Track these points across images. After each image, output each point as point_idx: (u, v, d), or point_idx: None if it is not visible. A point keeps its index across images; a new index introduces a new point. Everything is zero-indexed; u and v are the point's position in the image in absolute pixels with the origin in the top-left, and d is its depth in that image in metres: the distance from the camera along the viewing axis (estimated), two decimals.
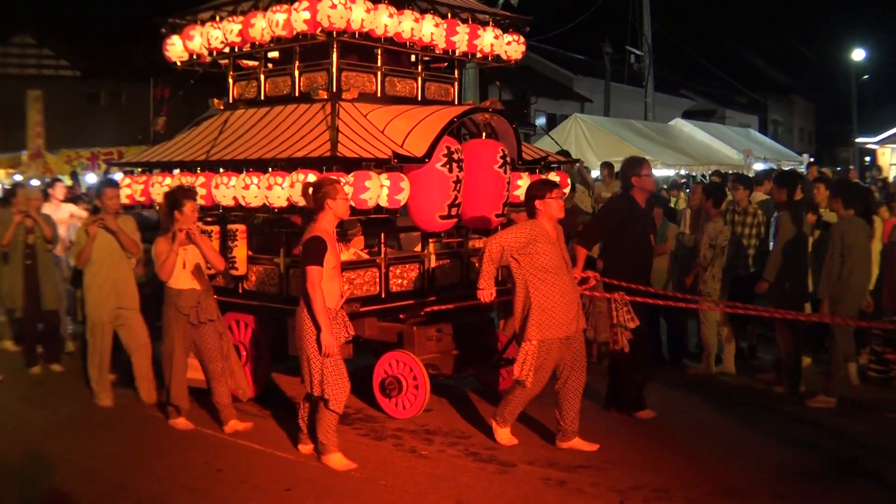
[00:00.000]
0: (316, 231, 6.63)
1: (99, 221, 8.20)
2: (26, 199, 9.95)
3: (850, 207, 8.53)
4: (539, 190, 7.18)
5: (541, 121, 35.45)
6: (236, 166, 8.00)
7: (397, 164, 7.66)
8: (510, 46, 9.35)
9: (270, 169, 7.67)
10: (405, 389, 7.90)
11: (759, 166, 26.75)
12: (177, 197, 7.43)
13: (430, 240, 8.43)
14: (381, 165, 7.57)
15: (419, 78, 8.89)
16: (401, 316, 8.28)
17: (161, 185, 8.60)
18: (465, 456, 7.00)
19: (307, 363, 6.68)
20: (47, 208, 10.81)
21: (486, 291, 7.16)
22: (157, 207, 8.79)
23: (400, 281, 8.15)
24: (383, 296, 7.99)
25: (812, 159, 30.31)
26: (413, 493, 6.22)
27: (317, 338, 6.57)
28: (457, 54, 8.96)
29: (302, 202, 7.31)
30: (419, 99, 8.84)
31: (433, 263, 8.41)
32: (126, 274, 8.37)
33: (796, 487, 6.28)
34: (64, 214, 11.50)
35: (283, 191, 7.54)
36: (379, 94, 8.50)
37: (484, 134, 8.45)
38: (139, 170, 9.23)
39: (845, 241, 8.34)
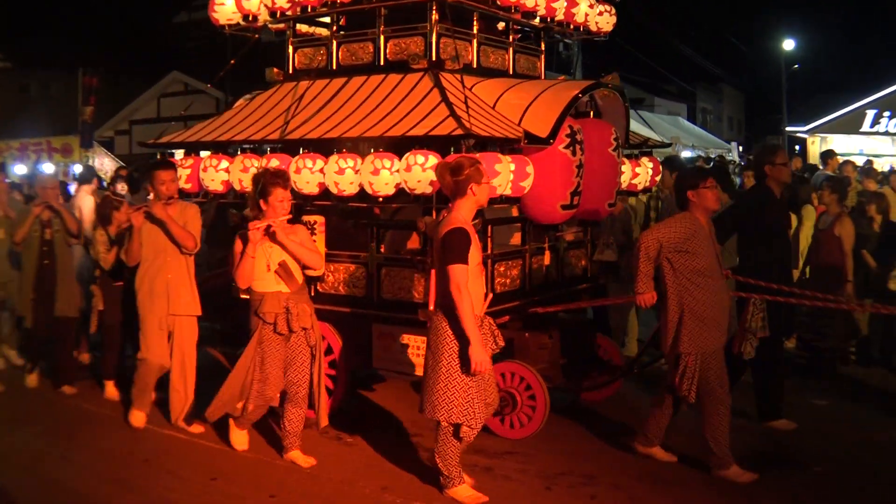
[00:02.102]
0: (458, 222, 5.26)
1: (143, 209, 6.54)
2: (42, 188, 8.08)
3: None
4: (691, 179, 6.04)
5: None
6: (320, 147, 6.51)
7: (524, 145, 6.34)
8: (601, 18, 8.18)
9: (373, 150, 6.22)
10: (519, 406, 6.55)
11: (686, 154, 26.28)
12: (264, 182, 5.82)
13: (545, 234, 7.14)
14: (500, 146, 6.23)
15: (510, 49, 7.55)
16: (505, 319, 6.93)
17: (217, 170, 6.99)
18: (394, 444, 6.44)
19: (434, 382, 5.29)
20: None
21: (648, 294, 5.97)
22: (211, 196, 7.20)
23: (503, 280, 6.80)
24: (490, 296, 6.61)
25: (741, 147, 30.04)
26: (338, 481, 5.75)
27: (460, 352, 5.21)
28: (554, 22, 7.67)
29: (422, 188, 5.93)
30: (510, 72, 7.51)
31: (547, 260, 7.11)
32: (181, 273, 6.69)
33: None
34: None
35: (391, 176, 6.13)
36: (475, 66, 7.11)
37: (591, 113, 7.20)
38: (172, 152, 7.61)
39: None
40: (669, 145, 11.82)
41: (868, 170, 15.41)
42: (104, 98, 24.93)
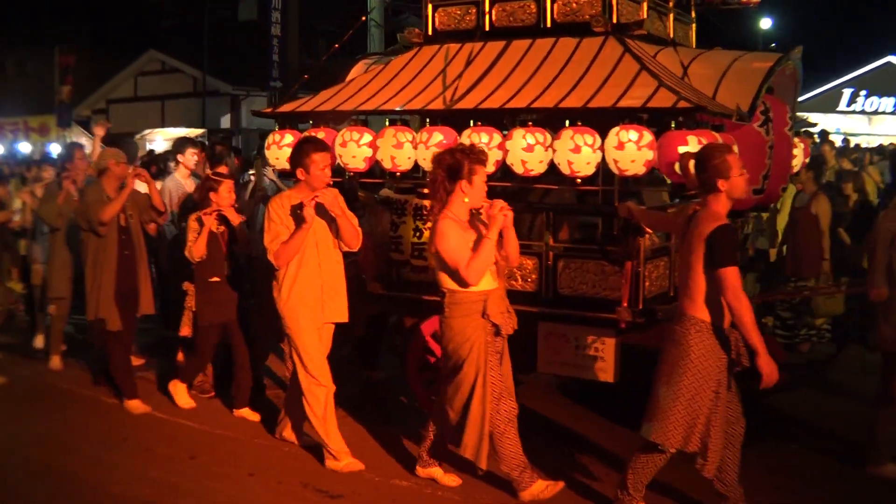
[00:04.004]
0: (722, 217, 4.31)
1: (315, 200, 5.08)
2: (116, 162, 6.59)
3: None
4: None
5: None
6: (492, 119, 5.47)
7: (728, 122, 5.40)
8: None
9: (567, 123, 5.21)
10: None
11: None
12: (460, 160, 4.66)
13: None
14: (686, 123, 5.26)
15: (671, 16, 6.59)
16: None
17: (359, 145, 5.85)
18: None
19: (672, 403, 4.33)
20: None
21: (882, 290, 5.10)
22: (351, 175, 6.07)
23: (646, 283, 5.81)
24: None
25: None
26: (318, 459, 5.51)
27: (710, 369, 4.28)
28: None
29: (636, 169, 4.95)
30: (670, 39, 6.55)
31: None
32: (337, 274, 5.37)
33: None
34: None
35: (594, 154, 5.13)
36: (646, 32, 6.13)
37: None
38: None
39: None
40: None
41: (844, 149, 15.14)
42: (81, 77, 23.49)
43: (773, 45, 37.91)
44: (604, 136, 5.14)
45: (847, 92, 25.59)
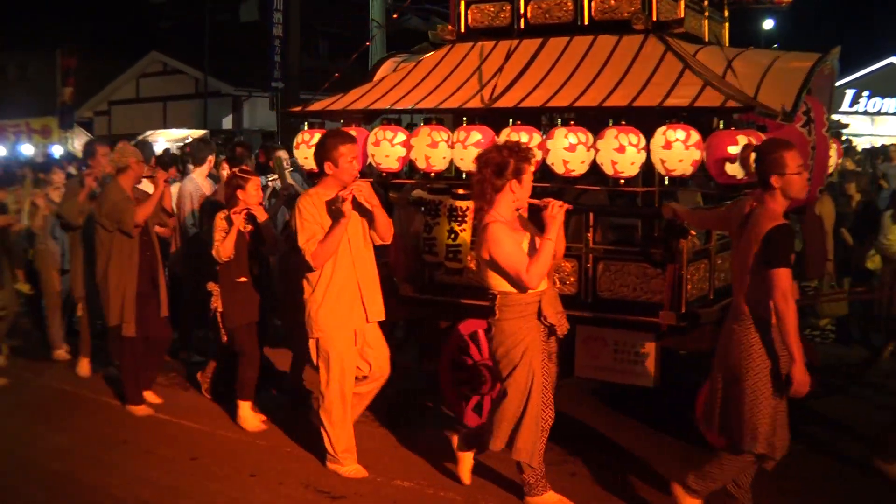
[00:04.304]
0: (779, 217, 4.16)
1: (352, 194, 4.85)
2: (137, 161, 6.35)
3: None
4: None
5: None
6: (531, 118, 5.32)
7: (771, 122, 5.25)
8: None
9: (611, 122, 5.06)
10: None
11: None
12: (507, 158, 4.46)
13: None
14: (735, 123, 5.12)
15: (706, 14, 6.44)
16: None
17: (392, 144, 5.67)
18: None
19: (738, 405, 4.21)
20: None
21: None
22: (383, 175, 5.89)
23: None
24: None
25: None
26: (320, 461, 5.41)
27: (771, 370, 4.14)
28: None
29: (683, 169, 4.81)
30: (705, 39, 6.41)
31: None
32: (372, 272, 5.18)
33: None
34: None
35: (638, 154, 4.99)
36: (684, 30, 5.99)
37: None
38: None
39: None
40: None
41: (847, 149, 15.06)
42: (82, 79, 23.36)
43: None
44: (647, 135, 5.00)
45: (849, 93, 25.45)
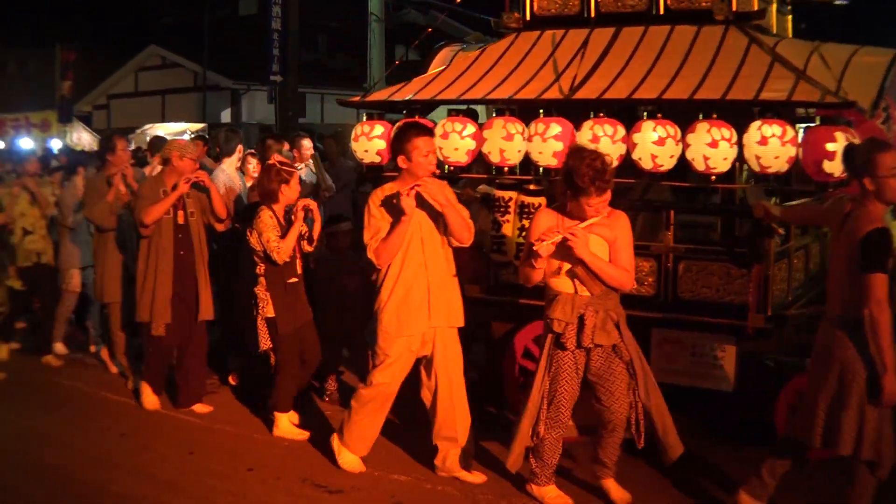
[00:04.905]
0: (879, 220, 3.92)
1: (415, 189, 4.53)
2: (180, 155, 5.99)
3: None
4: None
5: None
6: (609, 110, 5.03)
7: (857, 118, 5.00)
8: None
9: (701, 116, 4.79)
10: None
11: None
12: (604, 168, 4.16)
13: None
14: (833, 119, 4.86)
15: (773, 5, 6.17)
16: None
17: (462, 137, 5.35)
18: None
19: (846, 411, 3.95)
20: None
21: None
22: (451, 170, 5.56)
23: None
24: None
25: None
26: (319, 455, 5.38)
27: (870, 377, 3.90)
28: None
29: (778, 166, 4.54)
30: (773, 31, 6.14)
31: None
32: (444, 274, 4.79)
33: None
34: None
35: (731, 150, 4.72)
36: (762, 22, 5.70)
37: None
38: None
39: None
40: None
41: None
42: (82, 73, 22.96)
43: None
44: (738, 130, 4.74)
45: None
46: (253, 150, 8.66)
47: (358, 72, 26.62)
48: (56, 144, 21.17)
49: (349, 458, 4.96)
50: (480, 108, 6.02)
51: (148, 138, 21.36)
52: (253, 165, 8.12)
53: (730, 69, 4.98)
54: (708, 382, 5.27)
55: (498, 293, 5.63)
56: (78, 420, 5.99)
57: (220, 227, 6.36)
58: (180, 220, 5.97)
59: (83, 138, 21.84)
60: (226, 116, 25.30)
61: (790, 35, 6.60)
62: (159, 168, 6.71)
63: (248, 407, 6.14)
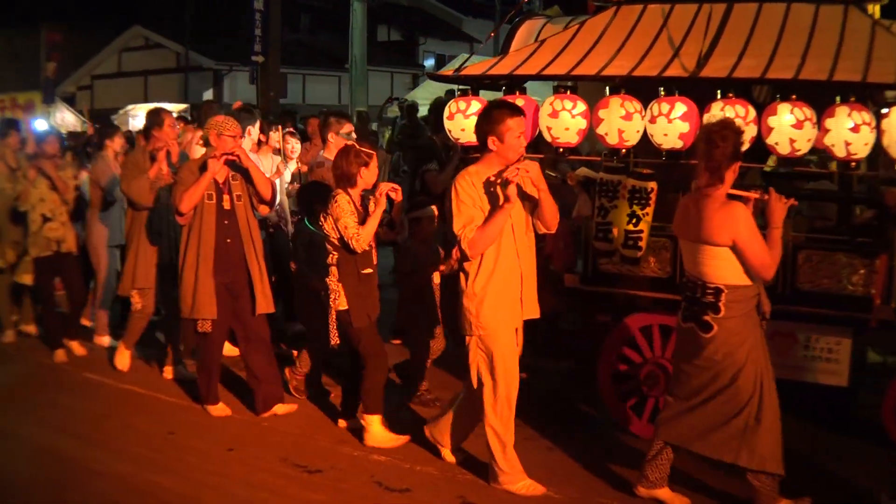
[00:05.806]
0: None
1: (515, 170, 4.15)
2: (218, 133, 5.41)
3: None
4: None
5: (429, 62, 32.43)
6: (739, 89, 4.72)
7: None
8: None
9: (839, 98, 4.49)
10: None
11: None
12: (741, 139, 4.00)
13: None
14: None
15: None
16: None
17: (573, 115, 4.98)
18: None
19: None
20: None
21: None
22: (561, 150, 5.17)
23: None
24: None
25: None
26: (296, 434, 5.43)
27: None
28: None
29: None
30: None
31: None
32: (533, 264, 4.48)
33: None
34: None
35: (871, 135, 4.45)
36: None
37: None
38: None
39: None
40: None
41: None
42: (66, 54, 22.28)
43: None
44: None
45: None
46: (291, 129, 8.18)
47: (340, 52, 26.09)
48: (41, 125, 20.46)
49: (525, 485, 4.45)
50: (532, 86, 5.66)
51: (131, 119, 20.89)
52: (291, 146, 7.66)
53: (860, 51, 4.70)
54: (822, 377, 5.00)
55: (598, 283, 5.29)
56: (60, 401, 6.00)
57: (263, 211, 5.91)
58: (226, 206, 5.46)
59: (66, 119, 21.09)
60: (208, 97, 24.65)
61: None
62: (202, 150, 6.24)
63: (229, 387, 6.03)
